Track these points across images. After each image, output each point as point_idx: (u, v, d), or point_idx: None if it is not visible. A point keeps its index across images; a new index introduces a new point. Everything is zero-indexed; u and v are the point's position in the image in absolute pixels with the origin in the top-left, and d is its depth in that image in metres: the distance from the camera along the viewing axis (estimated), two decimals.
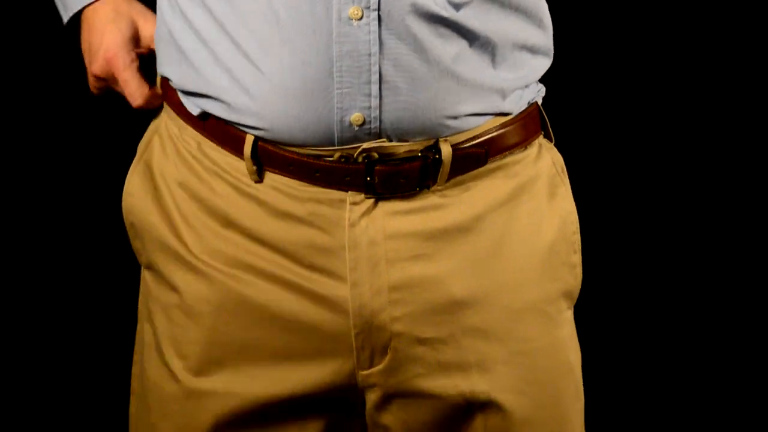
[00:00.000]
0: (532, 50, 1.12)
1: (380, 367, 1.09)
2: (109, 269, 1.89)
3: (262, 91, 1.04)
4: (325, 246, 1.07)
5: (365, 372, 1.09)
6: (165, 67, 1.13)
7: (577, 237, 1.18)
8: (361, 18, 1.01)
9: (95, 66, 1.19)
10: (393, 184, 1.05)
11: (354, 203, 1.06)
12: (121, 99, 1.22)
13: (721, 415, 2.01)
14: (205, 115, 1.10)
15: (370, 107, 1.03)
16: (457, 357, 1.09)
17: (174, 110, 1.14)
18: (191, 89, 1.09)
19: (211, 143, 1.10)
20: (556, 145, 1.20)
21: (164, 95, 1.16)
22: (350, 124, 1.03)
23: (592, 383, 1.28)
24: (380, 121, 1.04)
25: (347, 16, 1.01)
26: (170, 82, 1.13)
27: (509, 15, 1.09)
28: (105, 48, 1.18)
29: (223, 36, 1.05)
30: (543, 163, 1.15)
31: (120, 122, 1.27)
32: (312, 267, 1.07)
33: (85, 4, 1.20)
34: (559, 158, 1.19)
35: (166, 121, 1.15)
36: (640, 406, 2.02)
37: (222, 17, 1.05)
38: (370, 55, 1.02)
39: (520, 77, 1.12)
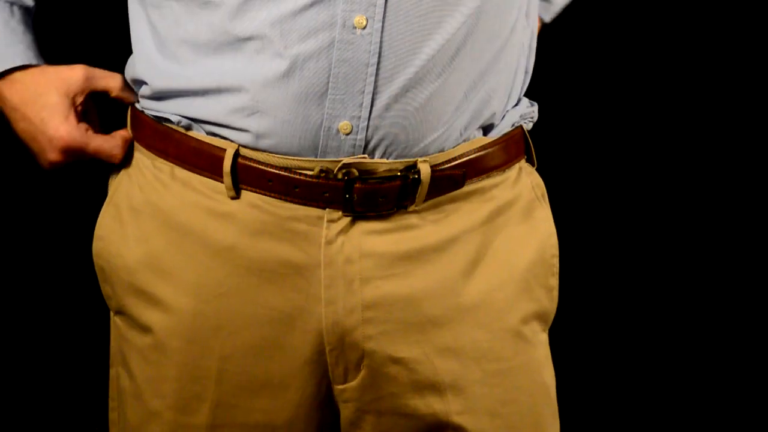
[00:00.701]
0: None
1: (354, 383, 1.09)
2: (80, 315, 1.88)
3: (256, 86, 1.03)
4: (300, 264, 1.07)
5: (340, 387, 1.10)
6: (142, 72, 1.11)
7: (556, 261, 1.19)
8: (364, 27, 1.02)
9: (52, 155, 1.14)
10: (371, 202, 1.05)
11: (331, 221, 1.06)
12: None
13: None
14: (181, 138, 1.09)
15: (359, 117, 1.03)
16: (431, 377, 1.09)
17: (144, 145, 1.13)
18: (182, 86, 1.08)
19: (183, 169, 1.09)
20: (539, 170, 1.20)
21: (135, 133, 1.15)
22: (337, 132, 1.03)
23: (572, 402, 1.28)
24: (366, 132, 1.04)
25: (352, 24, 1.01)
26: (144, 112, 1.12)
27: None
28: (53, 138, 1.13)
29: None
30: (522, 186, 1.16)
31: (90, 169, 1.24)
32: (286, 286, 1.07)
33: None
34: (540, 183, 1.20)
35: (136, 158, 1.14)
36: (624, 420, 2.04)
37: None
38: (368, 65, 1.02)
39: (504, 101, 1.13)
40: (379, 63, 1.02)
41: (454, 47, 1.04)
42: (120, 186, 1.15)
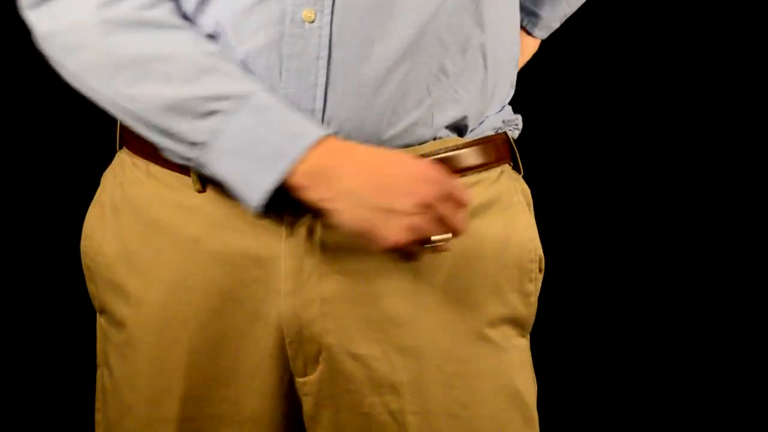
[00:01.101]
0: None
1: (312, 377, 1.10)
2: (70, 317, 1.92)
3: None
4: (261, 256, 1.08)
5: (301, 380, 1.11)
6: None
7: (535, 266, 1.17)
8: (313, 21, 1.02)
9: (430, 193, 0.99)
10: None
11: (292, 213, 1.07)
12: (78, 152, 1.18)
13: None
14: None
15: (313, 110, 1.04)
16: (389, 376, 1.09)
17: (127, 144, 1.16)
18: None
19: (156, 165, 1.11)
20: (528, 177, 1.20)
21: (121, 137, 1.18)
22: None
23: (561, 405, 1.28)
24: (322, 126, 1.03)
25: (300, 18, 1.02)
26: None
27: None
28: (417, 169, 1.00)
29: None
30: (501, 188, 1.15)
31: (80, 171, 1.25)
32: (248, 278, 1.08)
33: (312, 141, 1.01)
34: (525, 189, 1.19)
35: (121, 158, 1.17)
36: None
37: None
38: (318, 58, 1.03)
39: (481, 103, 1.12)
40: (330, 56, 1.02)
41: (410, 41, 1.04)
42: (106, 185, 1.19)
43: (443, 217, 1.00)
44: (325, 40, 1.02)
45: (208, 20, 1.04)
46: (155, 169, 1.12)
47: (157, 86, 1.00)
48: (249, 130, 0.99)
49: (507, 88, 1.17)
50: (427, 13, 1.04)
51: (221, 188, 1.07)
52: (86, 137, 1.81)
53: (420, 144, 1.08)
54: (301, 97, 1.03)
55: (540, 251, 1.19)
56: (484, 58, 1.11)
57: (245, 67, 1.03)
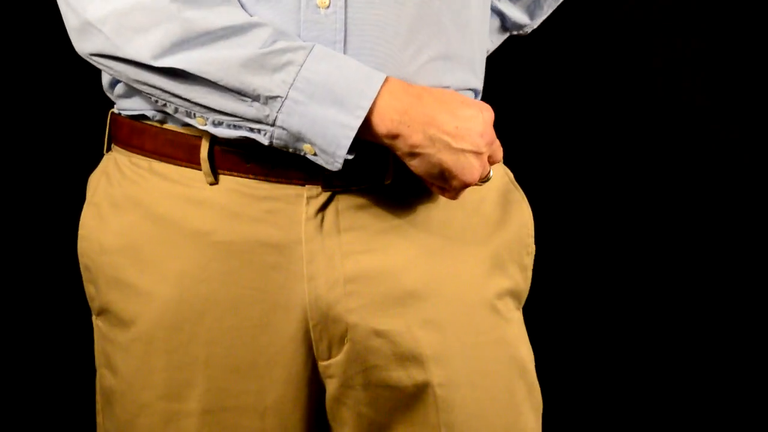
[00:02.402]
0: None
1: (338, 358, 1.11)
2: (65, 322, 1.89)
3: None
4: (280, 242, 1.09)
5: (324, 363, 1.12)
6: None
7: (532, 241, 1.22)
8: (328, 6, 1.04)
9: (486, 141, 1.06)
10: (349, 176, 1.08)
11: (311, 197, 1.08)
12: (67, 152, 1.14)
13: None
14: (157, 132, 1.11)
15: None
16: (413, 349, 1.11)
17: (122, 144, 1.15)
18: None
19: (160, 162, 1.11)
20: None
21: (113, 137, 1.17)
22: None
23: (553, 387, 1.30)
24: None
25: (315, 4, 1.04)
26: (121, 114, 1.14)
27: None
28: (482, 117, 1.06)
29: None
30: (494, 171, 1.19)
31: (67, 176, 1.21)
32: (267, 265, 1.09)
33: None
34: (508, 171, 1.24)
35: (114, 158, 1.16)
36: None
37: None
38: (334, 42, 1.04)
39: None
40: (345, 40, 1.05)
41: (423, 21, 1.07)
42: (98, 186, 1.17)
43: (493, 151, 1.08)
44: (340, 25, 1.04)
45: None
46: (159, 165, 1.11)
47: (235, 49, 1.00)
48: (322, 74, 1.00)
49: (482, 78, 1.22)
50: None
51: (233, 178, 1.08)
52: (64, 143, 1.78)
53: None
54: None
55: (533, 227, 1.24)
56: (477, 40, 1.16)
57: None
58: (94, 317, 1.19)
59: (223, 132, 1.05)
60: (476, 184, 1.08)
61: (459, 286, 1.13)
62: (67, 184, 1.61)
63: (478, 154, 1.04)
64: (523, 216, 1.21)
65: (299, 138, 1.01)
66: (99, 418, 1.21)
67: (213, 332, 1.10)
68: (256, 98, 1.01)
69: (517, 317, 1.21)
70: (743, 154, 1.96)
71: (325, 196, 1.09)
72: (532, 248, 1.22)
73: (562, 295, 2.00)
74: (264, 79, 1.00)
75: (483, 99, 1.25)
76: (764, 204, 1.98)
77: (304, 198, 1.08)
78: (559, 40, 1.89)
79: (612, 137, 1.97)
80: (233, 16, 1.01)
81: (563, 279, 1.98)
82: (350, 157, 1.02)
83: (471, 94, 1.16)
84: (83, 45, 1.05)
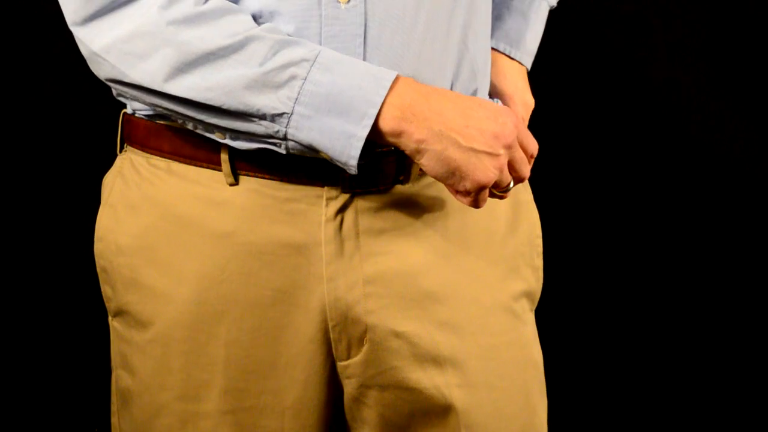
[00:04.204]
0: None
1: (357, 358, 1.11)
2: (79, 323, 1.89)
3: None
4: (300, 243, 1.09)
5: (343, 363, 1.12)
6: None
7: (540, 242, 1.23)
8: (348, 1, 1.04)
9: (510, 137, 1.03)
10: (368, 178, 1.08)
11: (330, 198, 1.08)
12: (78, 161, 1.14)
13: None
14: (175, 133, 1.10)
15: None
16: (432, 350, 1.12)
17: (138, 145, 1.15)
18: None
19: (179, 162, 1.11)
20: None
21: (128, 138, 1.17)
22: None
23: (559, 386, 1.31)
24: None
25: (336, 0, 1.04)
26: (135, 114, 1.14)
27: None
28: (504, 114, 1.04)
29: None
30: None
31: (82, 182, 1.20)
32: (287, 266, 1.09)
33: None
34: None
35: (130, 159, 1.16)
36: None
37: None
38: (355, 36, 1.04)
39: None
40: (365, 34, 1.04)
41: (441, 15, 1.08)
42: (114, 188, 1.17)
43: (516, 161, 1.04)
44: (360, 19, 1.04)
45: (247, 6, 1.05)
46: (178, 166, 1.11)
47: (235, 69, 0.99)
48: (326, 85, 0.99)
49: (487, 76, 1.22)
50: None
51: (253, 179, 1.08)
52: (76, 144, 1.78)
53: None
54: None
55: (540, 228, 1.25)
56: (486, 41, 1.17)
57: None
58: (110, 318, 1.19)
59: (242, 145, 1.05)
60: (497, 196, 1.07)
61: (476, 289, 1.14)
62: (78, 186, 1.61)
63: (492, 155, 1.02)
64: (532, 217, 1.22)
65: (312, 148, 1.01)
66: (114, 419, 1.21)
67: (232, 333, 1.10)
68: (262, 117, 1.00)
69: (531, 318, 1.22)
70: (743, 153, 1.98)
71: (344, 197, 1.09)
72: (541, 249, 1.23)
73: (566, 294, 2.01)
74: (269, 98, 0.99)
75: None
76: (764, 204, 1.99)
77: (323, 199, 1.08)
78: (559, 40, 1.89)
79: (611, 137, 1.99)
80: (232, 29, 1.00)
81: (566, 279, 1.98)
82: (362, 162, 1.02)
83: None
84: (97, 72, 1.06)
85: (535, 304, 1.24)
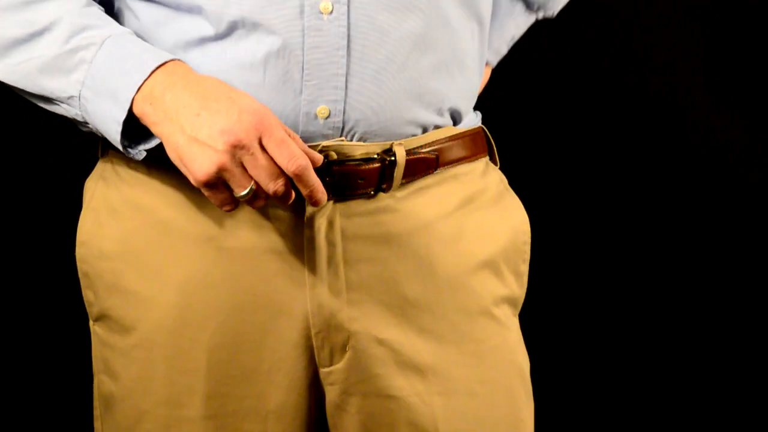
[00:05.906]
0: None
1: (340, 365, 1.11)
2: (61, 328, 1.88)
3: (232, 75, 1.04)
4: (282, 249, 1.09)
5: (326, 370, 1.12)
6: None
7: (527, 248, 1.23)
8: (331, 12, 1.04)
9: (243, 126, 0.96)
10: (350, 185, 1.08)
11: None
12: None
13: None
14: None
15: (336, 100, 1.05)
16: (414, 358, 1.12)
17: (119, 151, 1.11)
18: None
19: (160, 167, 1.10)
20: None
21: (110, 144, 1.14)
22: (315, 117, 1.05)
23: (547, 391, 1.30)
24: (344, 114, 1.06)
25: (318, 10, 1.04)
26: None
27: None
28: (248, 103, 0.98)
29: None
30: (490, 178, 1.20)
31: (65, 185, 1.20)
32: (269, 272, 1.09)
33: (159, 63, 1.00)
34: (504, 178, 1.25)
35: (112, 162, 1.15)
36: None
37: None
38: (338, 48, 1.04)
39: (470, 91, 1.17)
40: (349, 46, 1.04)
41: (423, 29, 1.07)
42: (96, 191, 1.16)
43: (251, 166, 0.98)
44: (343, 30, 1.04)
45: (230, 14, 1.04)
46: (158, 171, 1.11)
47: (35, 52, 1.02)
48: (105, 69, 1.00)
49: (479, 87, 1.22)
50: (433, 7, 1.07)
51: None
52: (57, 148, 1.77)
53: (426, 133, 1.12)
54: (324, 88, 1.05)
55: (529, 234, 1.24)
56: (480, 48, 1.17)
57: (268, 61, 1.04)
58: (91, 323, 1.19)
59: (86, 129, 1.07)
60: (224, 208, 1.00)
61: (458, 296, 1.14)
62: (60, 189, 1.60)
63: (214, 150, 0.96)
64: (518, 223, 1.21)
65: (99, 132, 1.03)
66: (97, 424, 1.21)
67: (215, 338, 1.10)
68: (60, 100, 1.03)
69: (515, 324, 1.22)
70: (743, 153, 1.98)
71: (327, 204, 1.08)
72: (528, 255, 1.22)
73: (555, 299, 2.00)
74: (61, 82, 1.02)
75: (479, 100, 1.25)
76: (764, 204, 1.99)
77: (305, 205, 1.08)
78: (559, 40, 1.89)
79: (611, 138, 1.98)
80: (37, 16, 1.02)
81: (556, 283, 1.98)
82: (143, 148, 1.03)
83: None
84: None
85: (518, 310, 1.24)
